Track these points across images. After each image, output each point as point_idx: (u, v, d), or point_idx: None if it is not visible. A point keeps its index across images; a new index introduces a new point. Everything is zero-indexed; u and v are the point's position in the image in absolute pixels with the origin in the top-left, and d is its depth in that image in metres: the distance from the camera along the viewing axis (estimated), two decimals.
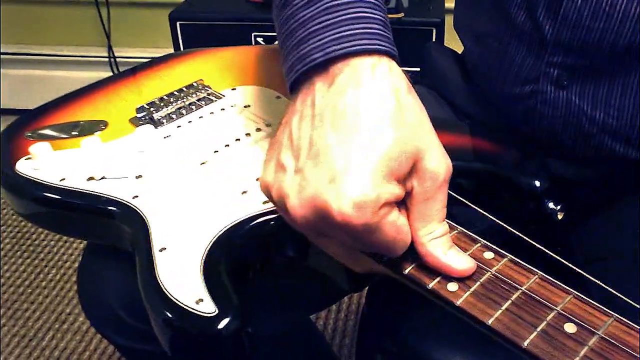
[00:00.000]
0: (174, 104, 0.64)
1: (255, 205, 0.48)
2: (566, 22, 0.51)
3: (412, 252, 0.39)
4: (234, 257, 0.44)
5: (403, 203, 0.38)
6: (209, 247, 0.43)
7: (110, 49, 1.84)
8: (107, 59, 1.85)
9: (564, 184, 0.56)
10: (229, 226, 0.45)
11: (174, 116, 0.62)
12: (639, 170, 0.55)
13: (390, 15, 1.32)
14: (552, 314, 0.35)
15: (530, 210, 0.50)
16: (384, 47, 0.38)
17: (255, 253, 0.46)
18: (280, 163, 0.39)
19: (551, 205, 0.48)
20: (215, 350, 0.39)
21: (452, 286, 0.37)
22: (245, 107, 0.62)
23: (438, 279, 0.38)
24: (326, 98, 0.38)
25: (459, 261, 0.38)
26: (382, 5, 0.41)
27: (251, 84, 0.67)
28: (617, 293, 0.38)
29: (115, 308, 0.55)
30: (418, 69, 0.78)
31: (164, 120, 0.61)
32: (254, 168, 0.52)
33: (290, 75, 0.40)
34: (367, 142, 0.36)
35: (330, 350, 0.82)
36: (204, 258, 0.43)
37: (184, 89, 0.66)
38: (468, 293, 0.37)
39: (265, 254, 0.47)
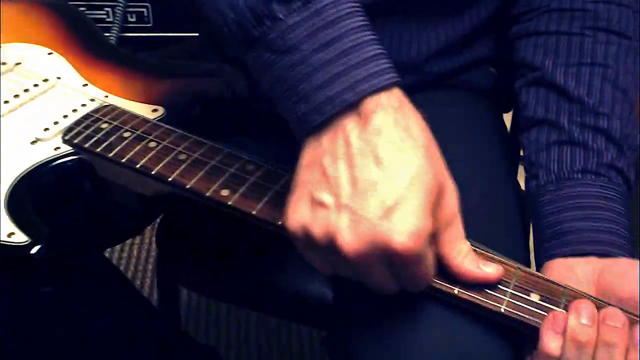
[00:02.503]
0: None
1: (47, 151, 0.54)
2: None
3: None
4: (37, 195, 0.50)
5: None
6: (9, 191, 0.49)
7: None
8: None
9: None
10: (25, 171, 0.51)
11: None
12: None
13: None
14: None
15: (284, 132, 0.63)
16: (398, 79, 0.41)
17: (55, 190, 0.52)
18: (317, 201, 0.40)
19: None
20: (34, 274, 0.46)
21: None
22: (16, 64, 0.65)
23: None
24: (364, 137, 0.39)
25: (493, 270, 0.43)
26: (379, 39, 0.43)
27: (17, 41, 0.69)
28: None
29: None
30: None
31: None
32: (38, 120, 0.57)
33: (315, 118, 0.41)
34: (413, 179, 0.39)
35: (132, 285, 0.90)
36: (6, 200, 0.48)
37: None
38: None
39: (65, 191, 0.53)
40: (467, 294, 0.43)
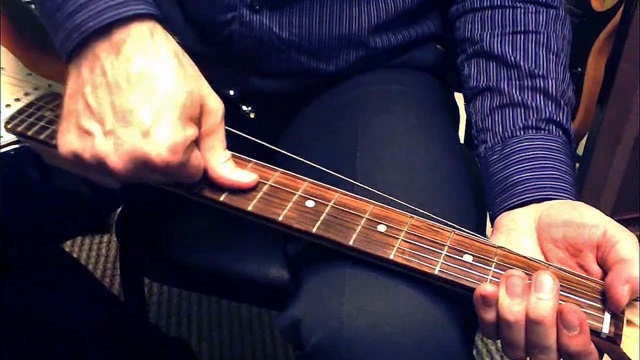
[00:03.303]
0: None
1: None
2: None
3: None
4: None
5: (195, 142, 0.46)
6: None
7: None
8: None
9: (263, 93, 0.70)
10: None
11: None
12: (321, 77, 0.70)
13: None
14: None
15: (231, 113, 0.63)
16: (153, 11, 0.45)
17: (1, 179, 0.52)
18: (83, 129, 0.44)
19: (244, 107, 0.63)
20: None
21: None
22: None
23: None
24: (117, 66, 0.44)
25: (245, 176, 0.48)
26: None
27: None
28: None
29: None
30: None
31: None
32: None
33: (67, 45, 0.45)
34: (166, 98, 0.44)
35: (96, 281, 0.90)
36: None
37: None
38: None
39: (11, 180, 0.53)
40: (402, 258, 0.44)
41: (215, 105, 0.47)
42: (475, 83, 0.61)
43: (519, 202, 0.51)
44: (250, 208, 0.47)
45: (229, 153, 0.48)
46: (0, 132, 0.54)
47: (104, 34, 0.44)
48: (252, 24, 0.67)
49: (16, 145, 0.54)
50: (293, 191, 0.48)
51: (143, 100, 0.43)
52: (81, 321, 0.76)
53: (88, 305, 0.78)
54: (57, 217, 0.64)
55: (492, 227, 0.53)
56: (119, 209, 0.80)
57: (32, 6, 0.84)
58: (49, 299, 0.71)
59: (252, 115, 0.63)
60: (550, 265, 0.44)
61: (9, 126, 0.55)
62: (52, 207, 0.61)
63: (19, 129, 0.54)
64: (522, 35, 0.60)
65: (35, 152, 0.54)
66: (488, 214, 0.56)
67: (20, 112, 0.56)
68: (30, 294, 0.68)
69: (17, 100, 0.58)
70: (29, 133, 0.54)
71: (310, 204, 0.47)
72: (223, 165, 0.48)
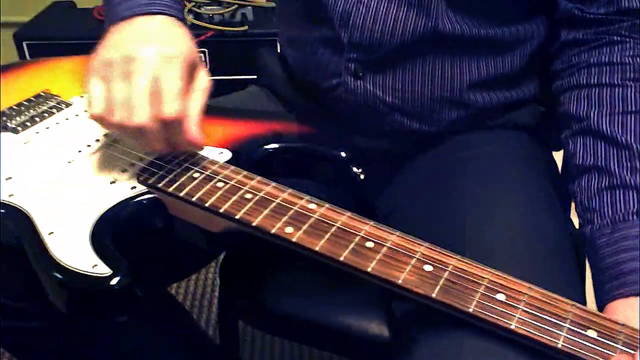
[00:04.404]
0: (26, 113, 0.70)
1: (125, 191, 0.58)
2: (355, 27, 0.68)
3: None
4: (117, 231, 0.54)
5: None
6: (93, 226, 0.53)
7: None
8: None
9: (366, 153, 0.73)
10: (107, 209, 0.55)
11: (28, 124, 0.68)
12: (423, 138, 0.73)
13: (235, 29, 1.42)
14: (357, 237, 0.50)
15: (340, 174, 0.66)
16: (176, 14, 0.62)
17: (133, 226, 0.56)
18: (117, 51, 0.57)
19: (354, 169, 0.65)
20: (112, 304, 0.49)
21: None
22: None
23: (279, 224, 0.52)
24: (149, 29, 0.60)
25: (201, 138, 0.58)
26: None
27: None
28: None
29: None
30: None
31: (20, 128, 0.67)
32: (117, 162, 0.62)
33: (114, 19, 0.62)
34: (176, 37, 0.60)
35: (193, 320, 0.94)
36: (90, 235, 0.52)
37: (33, 99, 0.73)
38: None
39: (140, 227, 0.57)
40: (523, 329, 0.44)
41: (205, 75, 0.60)
42: (581, 161, 0.61)
43: (633, 291, 0.50)
44: (369, 270, 0.49)
45: (199, 115, 0.58)
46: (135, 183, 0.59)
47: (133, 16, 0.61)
48: (357, 89, 0.71)
49: (147, 196, 0.58)
50: (411, 254, 0.50)
51: (161, 37, 0.59)
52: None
53: (184, 346, 0.81)
54: (173, 264, 0.68)
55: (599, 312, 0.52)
56: (222, 256, 0.83)
57: None
58: (147, 339, 0.74)
59: (362, 177, 0.65)
60: None
61: (141, 178, 0.59)
62: (170, 254, 0.65)
63: (150, 181, 0.59)
64: (632, 116, 0.59)
65: (163, 203, 0.59)
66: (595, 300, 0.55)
67: (150, 164, 0.61)
68: (130, 332, 0.71)
69: (148, 153, 0.63)
70: (159, 185, 0.58)
71: (428, 268, 0.49)
72: (197, 119, 0.58)
